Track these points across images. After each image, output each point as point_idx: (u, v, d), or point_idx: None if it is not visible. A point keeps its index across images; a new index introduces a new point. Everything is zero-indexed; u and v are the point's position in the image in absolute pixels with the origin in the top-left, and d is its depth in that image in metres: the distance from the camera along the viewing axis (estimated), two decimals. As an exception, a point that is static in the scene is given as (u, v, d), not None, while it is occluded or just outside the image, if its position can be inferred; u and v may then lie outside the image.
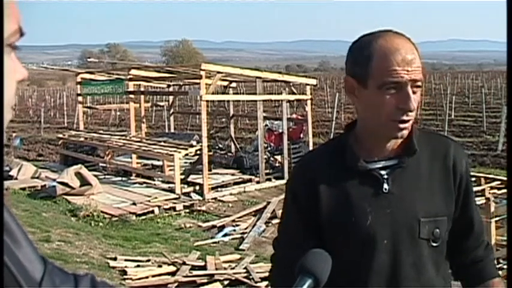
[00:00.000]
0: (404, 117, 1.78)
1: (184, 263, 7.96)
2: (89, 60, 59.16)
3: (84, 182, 12.30)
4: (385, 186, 1.85)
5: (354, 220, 1.84)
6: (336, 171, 1.90)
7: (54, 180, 12.80)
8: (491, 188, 7.78)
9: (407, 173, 1.87)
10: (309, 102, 15.84)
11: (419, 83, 1.78)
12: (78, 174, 12.31)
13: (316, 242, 1.85)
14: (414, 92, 1.77)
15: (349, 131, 1.96)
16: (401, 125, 1.79)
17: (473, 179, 7.80)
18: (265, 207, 11.45)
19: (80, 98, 18.36)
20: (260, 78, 14.76)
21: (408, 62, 1.75)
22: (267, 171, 14.84)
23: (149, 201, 11.89)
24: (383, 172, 1.87)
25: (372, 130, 1.87)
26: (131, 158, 15.53)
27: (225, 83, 17.73)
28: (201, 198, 12.55)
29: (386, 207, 1.84)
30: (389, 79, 1.75)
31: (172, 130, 20.01)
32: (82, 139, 16.60)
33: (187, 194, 12.71)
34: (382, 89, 1.77)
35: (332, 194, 1.88)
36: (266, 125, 16.91)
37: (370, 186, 1.86)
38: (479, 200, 6.82)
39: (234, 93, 19.61)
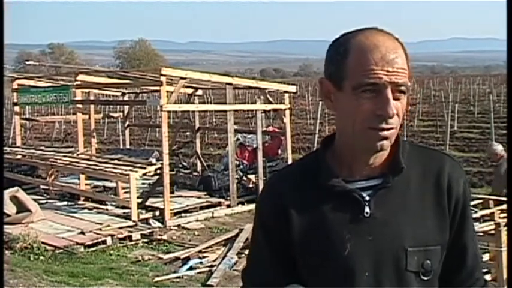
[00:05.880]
0: (384, 125, 1.76)
1: (141, 303, 7.93)
2: (27, 63, 58.74)
3: (22, 207, 12.19)
4: (367, 209, 1.83)
5: (330, 249, 1.83)
6: (309, 193, 1.89)
7: (-15, 206, 12.66)
8: (502, 211, 7.76)
9: (393, 195, 1.86)
10: (287, 112, 15.90)
11: (402, 88, 1.75)
12: (14, 199, 12.19)
13: (288, 272, 1.88)
14: (397, 98, 1.76)
15: (327, 145, 1.95)
16: (381, 133, 1.77)
17: (480, 201, 7.89)
18: (237, 235, 11.44)
19: (16, 108, 18.25)
20: (230, 84, 14.80)
21: (389, 62, 1.74)
22: (239, 193, 14.87)
23: (100, 229, 11.80)
24: (364, 193, 1.85)
25: (350, 142, 1.85)
26: (79, 179, 15.41)
27: (190, 91, 17.76)
28: (161, 225, 12.52)
29: (368, 234, 1.82)
30: (365, 80, 1.74)
31: (127, 146, 19.96)
32: (19, 157, 16.47)
33: (145, 221, 12.66)
34: (358, 92, 1.76)
35: (305, 220, 1.87)
36: (238, 139, 16.94)
37: (349, 209, 1.84)
38: (488, 226, 6.86)
39: (200, 103, 19.61)
